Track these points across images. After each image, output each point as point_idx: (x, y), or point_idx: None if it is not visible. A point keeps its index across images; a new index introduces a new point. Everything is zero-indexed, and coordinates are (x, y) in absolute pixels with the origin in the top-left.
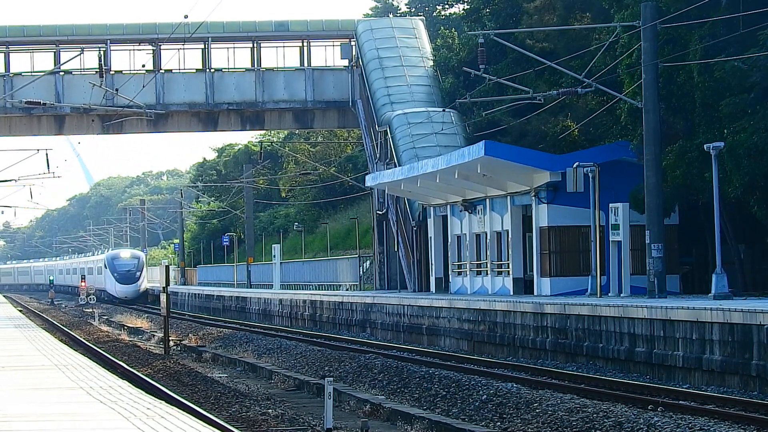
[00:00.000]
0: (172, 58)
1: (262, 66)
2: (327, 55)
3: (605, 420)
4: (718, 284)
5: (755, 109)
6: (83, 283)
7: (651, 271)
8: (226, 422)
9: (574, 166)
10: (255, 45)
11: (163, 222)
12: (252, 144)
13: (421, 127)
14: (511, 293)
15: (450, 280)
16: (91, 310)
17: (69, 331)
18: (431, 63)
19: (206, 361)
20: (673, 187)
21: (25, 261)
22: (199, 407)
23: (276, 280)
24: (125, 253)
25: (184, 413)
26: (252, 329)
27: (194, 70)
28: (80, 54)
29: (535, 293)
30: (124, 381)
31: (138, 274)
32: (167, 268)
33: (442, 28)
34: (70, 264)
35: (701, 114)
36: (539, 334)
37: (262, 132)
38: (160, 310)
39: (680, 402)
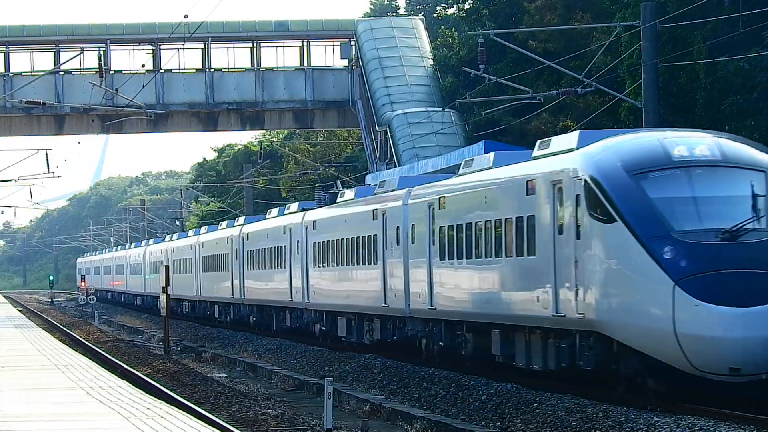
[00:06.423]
0: (172, 58)
1: (262, 66)
2: (327, 55)
3: (605, 420)
4: None
5: (758, 109)
6: (83, 283)
7: None
8: (226, 422)
9: None
10: (255, 45)
11: (163, 222)
12: (252, 144)
13: (421, 127)
14: None
15: None
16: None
17: (69, 331)
18: (431, 63)
19: (206, 361)
20: None
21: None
22: (199, 407)
23: None
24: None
25: (184, 413)
26: (251, 329)
27: (194, 70)
28: (80, 54)
29: None
30: (124, 381)
31: None
32: (167, 268)
33: (442, 27)
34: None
35: (702, 114)
36: None
37: (262, 132)
38: None
39: (680, 402)
